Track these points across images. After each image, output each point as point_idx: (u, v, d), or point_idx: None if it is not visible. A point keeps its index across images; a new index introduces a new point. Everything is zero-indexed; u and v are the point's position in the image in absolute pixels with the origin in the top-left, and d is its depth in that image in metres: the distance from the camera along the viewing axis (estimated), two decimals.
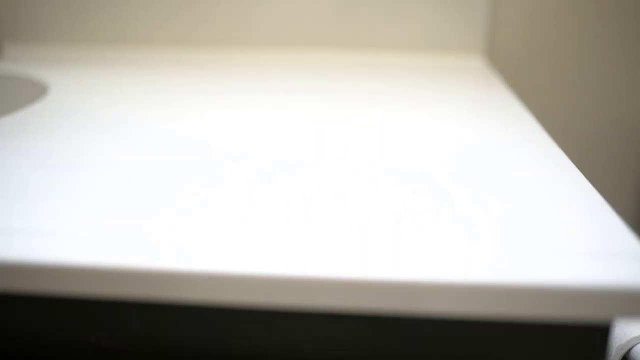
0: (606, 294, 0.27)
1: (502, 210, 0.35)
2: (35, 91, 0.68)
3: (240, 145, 0.46)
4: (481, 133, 0.49)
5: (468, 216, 0.34)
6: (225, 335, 0.33)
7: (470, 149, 0.45)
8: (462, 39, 0.85)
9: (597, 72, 0.89)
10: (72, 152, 0.44)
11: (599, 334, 0.31)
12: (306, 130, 0.50)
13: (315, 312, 0.32)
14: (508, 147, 0.45)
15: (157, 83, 0.68)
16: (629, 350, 0.57)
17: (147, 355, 0.34)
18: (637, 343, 0.57)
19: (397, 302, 0.28)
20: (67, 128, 0.50)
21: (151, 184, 0.38)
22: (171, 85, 0.67)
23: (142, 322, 0.33)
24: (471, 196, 0.37)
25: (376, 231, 0.32)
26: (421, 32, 0.86)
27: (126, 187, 0.38)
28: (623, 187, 0.94)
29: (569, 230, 0.32)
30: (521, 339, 0.31)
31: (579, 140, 0.92)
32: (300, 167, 0.41)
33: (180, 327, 0.33)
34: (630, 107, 0.90)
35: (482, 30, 0.85)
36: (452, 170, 0.41)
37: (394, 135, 0.49)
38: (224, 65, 0.80)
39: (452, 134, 0.49)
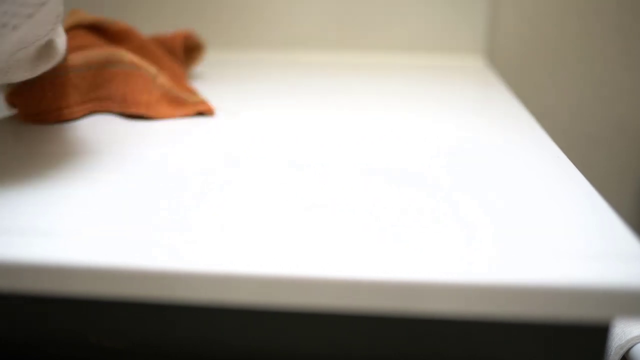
0: (605, 293, 0.28)
1: (501, 210, 0.35)
2: None
3: (240, 146, 0.46)
4: (481, 133, 0.49)
5: (467, 216, 0.34)
6: (226, 336, 0.33)
7: (469, 149, 0.45)
8: (462, 39, 0.85)
9: (597, 72, 0.89)
10: (72, 151, 0.44)
11: (598, 333, 0.31)
12: (305, 129, 0.50)
13: (315, 312, 0.32)
14: (508, 147, 0.46)
15: None
16: (628, 349, 0.57)
17: (148, 356, 0.34)
18: (637, 343, 0.57)
19: (397, 302, 0.28)
20: (66, 128, 0.50)
21: (151, 184, 0.38)
22: None
23: (143, 322, 0.33)
24: (471, 196, 0.37)
25: (376, 231, 0.32)
26: (422, 32, 0.86)
27: (125, 187, 0.38)
28: (623, 187, 0.94)
29: (569, 230, 0.32)
30: (520, 338, 0.31)
31: (579, 140, 0.92)
32: (298, 166, 0.41)
33: (180, 327, 0.33)
34: (630, 107, 0.90)
35: (482, 30, 0.85)
36: (451, 170, 0.41)
37: (393, 135, 0.49)
38: (225, 66, 0.80)
39: (452, 133, 0.49)
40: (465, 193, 0.37)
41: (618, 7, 0.85)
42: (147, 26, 0.87)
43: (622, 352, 0.57)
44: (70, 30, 0.57)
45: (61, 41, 0.46)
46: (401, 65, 0.80)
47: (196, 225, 0.33)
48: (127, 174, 0.40)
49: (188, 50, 0.69)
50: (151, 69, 0.56)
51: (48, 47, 0.44)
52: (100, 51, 0.54)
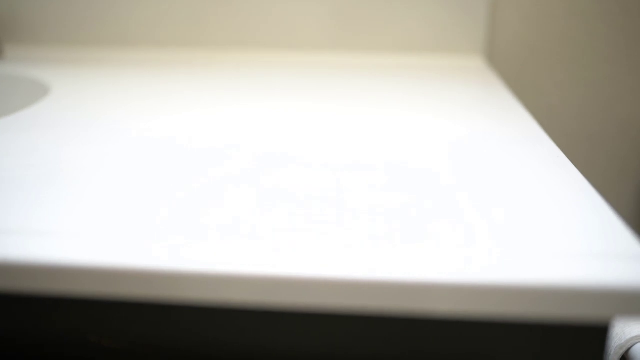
0: (605, 293, 0.28)
1: (501, 210, 0.35)
2: (36, 92, 0.68)
3: (240, 146, 0.46)
4: (481, 133, 0.49)
5: (467, 216, 0.34)
6: (226, 335, 0.33)
7: (469, 149, 0.45)
8: (462, 39, 0.85)
9: (597, 73, 0.89)
10: (72, 152, 0.44)
11: (598, 333, 0.31)
12: (306, 129, 0.50)
13: (315, 312, 0.32)
14: (508, 148, 0.46)
15: (159, 84, 0.68)
16: (628, 349, 0.57)
17: (147, 356, 0.34)
18: (636, 342, 0.57)
19: (397, 302, 0.28)
20: (68, 129, 0.50)
21: (150, 184, 0.38)
22: (173, 86, 0.67)
23: (142, 322, 0.33)
24: (471, 196, 0.37)
25: (375, 231, 0.32)
26: (421, 32, 0.86)
27: (125, 187, 0.38)
28: (623, 187, 0.94)
29: (569, 230, 0.32)
30: (520, 338, 0.31)
31: (579, 141, 0.92)
32: (299, 166, 0.41)
33: (180, 327, 0.33)
34: (631, 107, 0.90)
35: (482, 30, 0.85)
36: (451, 171, 0.41)
37: (393, 135, 0.49)
38: (226, 67, 0.80)
39: (452, 133, 0.49)
40: (465, 193, 0.37)
41: (619, 7, 0.85)
42: (145, 26, 0.87)
43: (621, 352, 0.57)
44: None
45: None
46: (401, 66, 0.80)
47: (196, 225, 0.33)
48: (125, 173, 0.40)
49: None
50: None
51: None
52: None
